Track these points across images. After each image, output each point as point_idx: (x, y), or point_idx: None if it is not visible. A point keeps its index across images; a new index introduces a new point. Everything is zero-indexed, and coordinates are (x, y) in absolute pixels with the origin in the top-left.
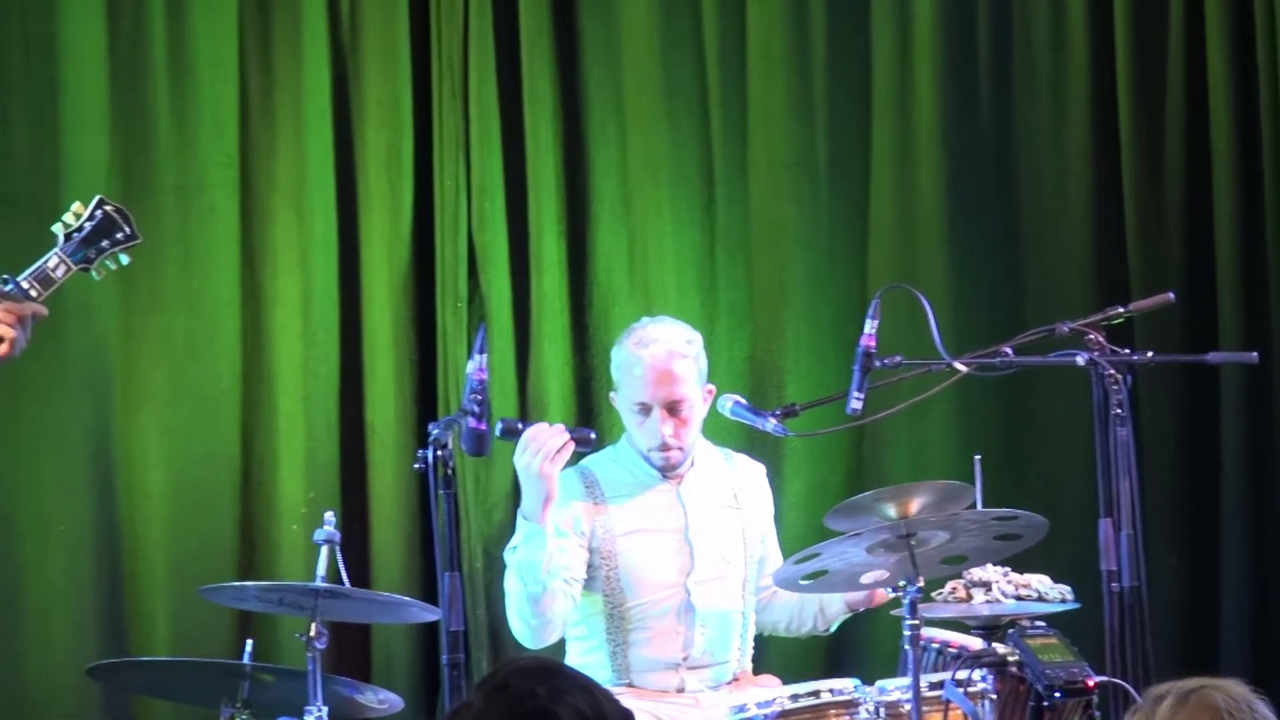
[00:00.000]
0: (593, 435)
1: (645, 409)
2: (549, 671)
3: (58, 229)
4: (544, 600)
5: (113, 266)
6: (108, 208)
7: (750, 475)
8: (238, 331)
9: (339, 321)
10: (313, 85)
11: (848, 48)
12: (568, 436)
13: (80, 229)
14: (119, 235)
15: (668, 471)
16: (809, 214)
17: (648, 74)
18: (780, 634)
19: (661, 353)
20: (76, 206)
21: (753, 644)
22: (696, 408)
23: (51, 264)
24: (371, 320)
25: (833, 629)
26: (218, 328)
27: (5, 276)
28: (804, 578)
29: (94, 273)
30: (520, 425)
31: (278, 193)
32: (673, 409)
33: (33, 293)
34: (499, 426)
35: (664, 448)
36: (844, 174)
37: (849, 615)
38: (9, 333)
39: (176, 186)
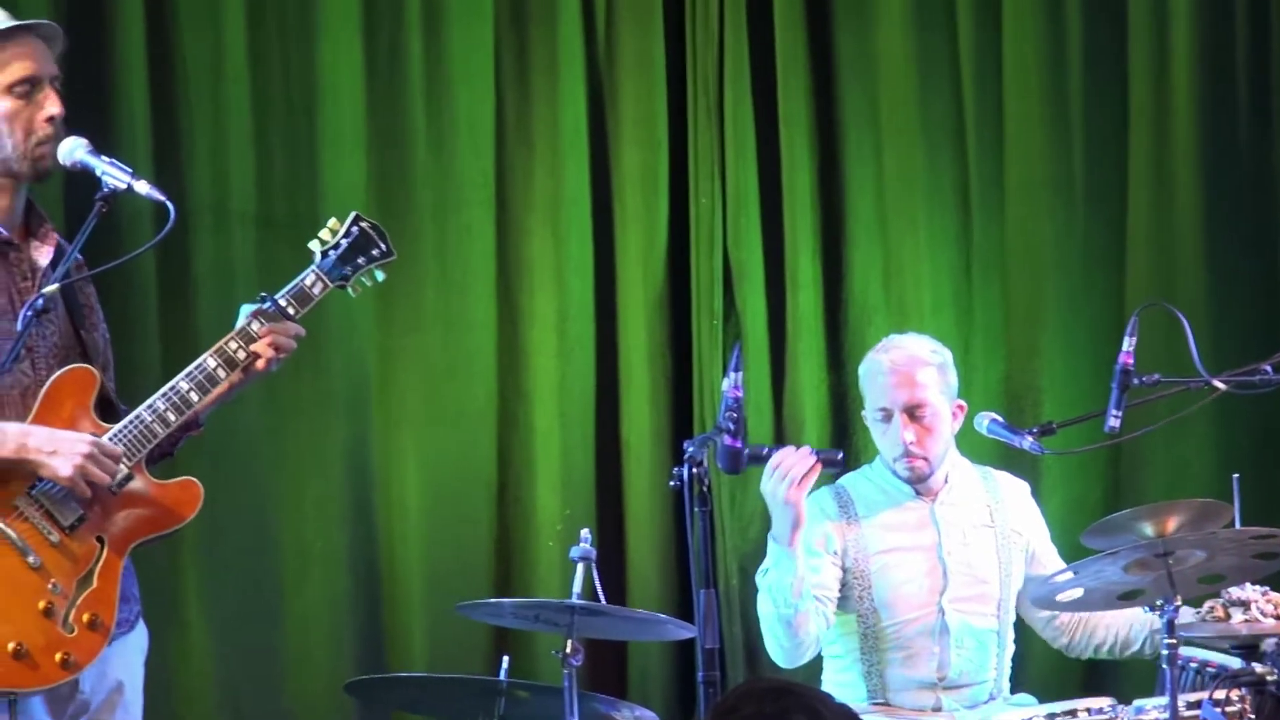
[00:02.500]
0: (840, 456)
1: (887, 415)
2: (779, 692)
3: (314, 246)
4: (796, 622)
5: (369, 283)
6: (363, 224)
7: (1012, 493)
8: (494, 350)
9: (594, 339)
10: (568, 104)
11: (1104, 65)
12: (814, 460)
13: (336, 245)
14: (375, 252)
15: (916, 483)
16: (1065, 233)
17: (903, 91)
18: (1103, 655)
19: (901, 358)
20: (332, 223)
21: (1010, 663)
22: (941, 417)
23: (308, 281)
24: (627, 338)
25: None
26: (474, 346)
27: (263, 295)
28: (1060, 596)
29: (350, 290)
30: (765, 451)
31: (534, 211)
32: (913, 414)
33: (290, 310)
34: (745, 453)
35: (907, 455)
36: (1100, 192)
37: None
38: (269, 352)
39: (433, 205)
